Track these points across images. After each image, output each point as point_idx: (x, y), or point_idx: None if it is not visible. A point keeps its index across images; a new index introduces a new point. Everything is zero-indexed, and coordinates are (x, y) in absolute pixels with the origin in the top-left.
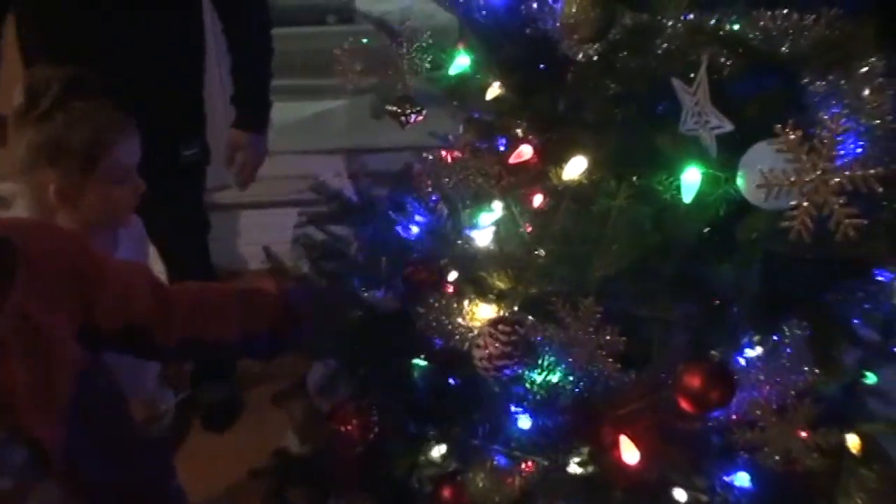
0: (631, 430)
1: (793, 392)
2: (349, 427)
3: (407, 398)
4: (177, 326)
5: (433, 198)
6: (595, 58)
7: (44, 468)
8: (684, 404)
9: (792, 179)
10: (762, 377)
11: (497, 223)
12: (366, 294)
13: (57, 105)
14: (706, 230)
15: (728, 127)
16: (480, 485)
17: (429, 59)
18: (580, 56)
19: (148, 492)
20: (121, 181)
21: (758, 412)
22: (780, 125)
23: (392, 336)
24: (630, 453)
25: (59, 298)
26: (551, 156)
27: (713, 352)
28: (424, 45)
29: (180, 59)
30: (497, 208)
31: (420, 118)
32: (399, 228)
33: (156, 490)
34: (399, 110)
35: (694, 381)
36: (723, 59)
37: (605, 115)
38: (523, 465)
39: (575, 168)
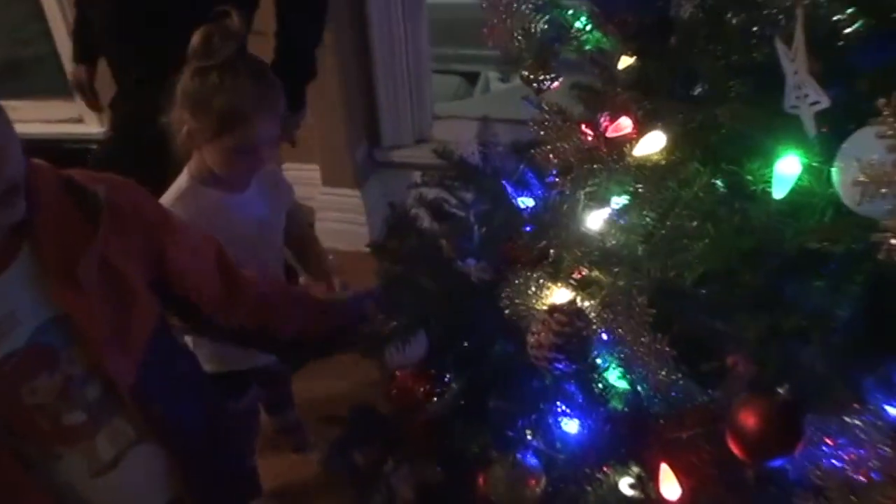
0: (678, 461)
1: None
2: (416, 391)
3: (482, 373)
4: (241, 313)
5: (552, 173)
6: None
7: (116, 406)
8: (733, 445)
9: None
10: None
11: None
12: (460, 262)
13: (223, 65)
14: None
15: (825, 103)
16: (498, 478)
17: (544, 17)
18: (686, 13)
19: (221, 451)
20: (244, 153)
21: (825, 478)
22: (883, 100)
23: (478, 308)
24: (670, 486)
25: (136, 249)
26: (643, 130)
27: (780, 388)
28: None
29: None
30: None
31: (556, 85)
32: (514, 200)
33: (229, 456)
34: (532, 76)
35: (748, 420)
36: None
37: (715, 83)
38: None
39: (649, 144)
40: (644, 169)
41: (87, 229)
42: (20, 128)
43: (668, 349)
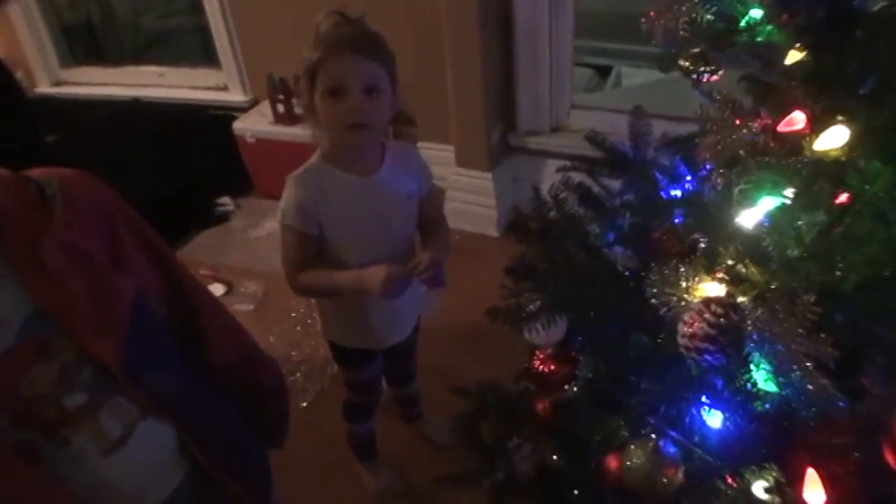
0: (826, 467)
1: None
2: (548, 371)
3: (618, 361)
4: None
5: (707, 166)
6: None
7: (112, 385)
8: (890, 457)
9: None
10: None
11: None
12: (606, 249)
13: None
14: None
15: None
16: (635, 463)
17: (713, 8)
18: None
19: (228, 424)
20: (336, 95)
21: None
22: None
23: (622, 295)
24: (815, 493)
25: (94, 231)
26: (818, 125)
27: None
28: None
29: None
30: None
31: (715, 78)
32: (662, 191)
33: (237, 429)
34: (692, 67)
35: None
36: None
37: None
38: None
39: (832, 139)
40: (821, 164)
41: (47, 218)
42: (168, 93)
43: (830, 350)
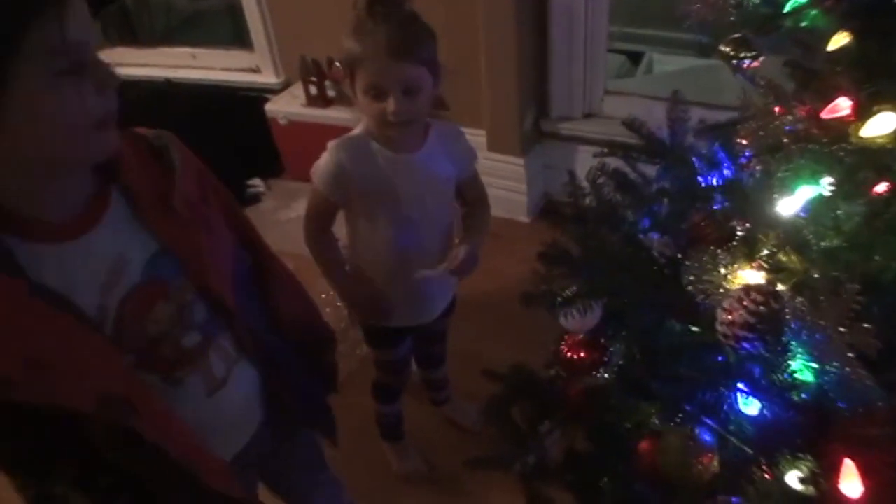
0: (863, 459)
1: None
2: (578, 357)
3: (652, 348)
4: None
5: (746, 153)
6: None
7: (219, 325)
8: None
9: None
10: None
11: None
12: (642, 235)
13: (363, 10)
14: None
15: None
16: (673, 451)
17: None
18: None
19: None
20: (375, 97)
21: None
22: None
23: (657, 283)
24: (852, 483)
25: (193, 184)
26: (864, 112)
27: None
28: None
29: None
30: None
31: (755, 64)
32: (700, 178)
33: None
34: (732, 52)
35: None
36: None
37: None
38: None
39: (880, 126)
40: (867, 152)
41: (165, 169)
42: (200, 74)
43: (873, 340)
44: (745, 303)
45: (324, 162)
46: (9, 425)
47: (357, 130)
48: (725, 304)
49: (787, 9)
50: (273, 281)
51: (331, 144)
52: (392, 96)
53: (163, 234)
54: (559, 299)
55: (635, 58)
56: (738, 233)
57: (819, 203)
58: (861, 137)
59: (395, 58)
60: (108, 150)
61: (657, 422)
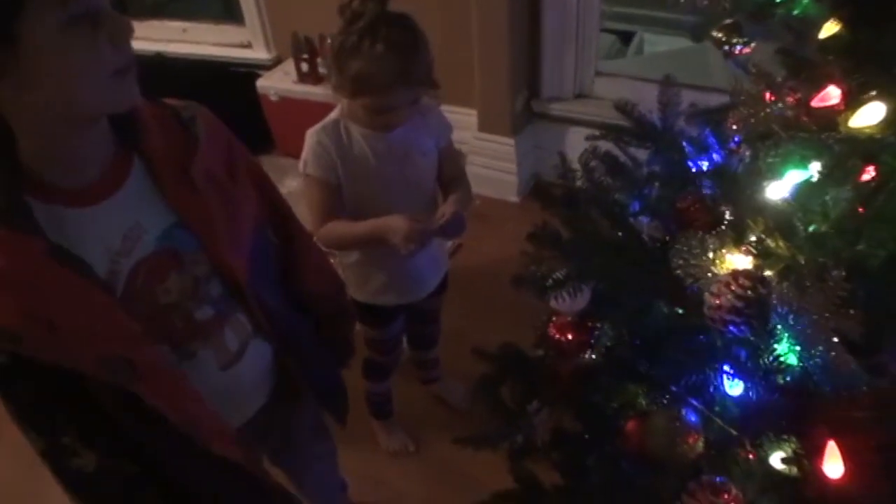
0: (846, 441)
1: None
2: (565, 338)
3: (639, 331)
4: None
5: (735, 138)
6: None
7: (235, 301)
8: None
9: None
10: None
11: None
12: (632, 219)
13: (364, 28)
14: None
15: None
16: (659, 431)
17: None
18: None
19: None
20: (379, 114)
21: None
22: None
23: (646, 266)
24: (833, 465)
25: (219, 156)
26: (853, 101)
27: None
28: None
29: None
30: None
31: (747, 51)
32: (690, 163)
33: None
34: (724, 38)
35: None
36: None
37: None
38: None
39: (868, 116)
40: (855, 141)
41: (189, 140)
42: (191, 48)
43: (858, 325)
44: (732, 287)
45: (307, 149)
46: (18, 377)
47: (332, 115)
48: (713, 289)
49: None
50: (303, 255)
51: (309, 132)
52: (399, 111)
53: (180, 206)
54: (549, 283)
55: (626, 37)
56: (727, 218)
57: (807, 187)
58: (850, 127)
59: (408, 84)
60: (128, 99)
61: (644, 402)
